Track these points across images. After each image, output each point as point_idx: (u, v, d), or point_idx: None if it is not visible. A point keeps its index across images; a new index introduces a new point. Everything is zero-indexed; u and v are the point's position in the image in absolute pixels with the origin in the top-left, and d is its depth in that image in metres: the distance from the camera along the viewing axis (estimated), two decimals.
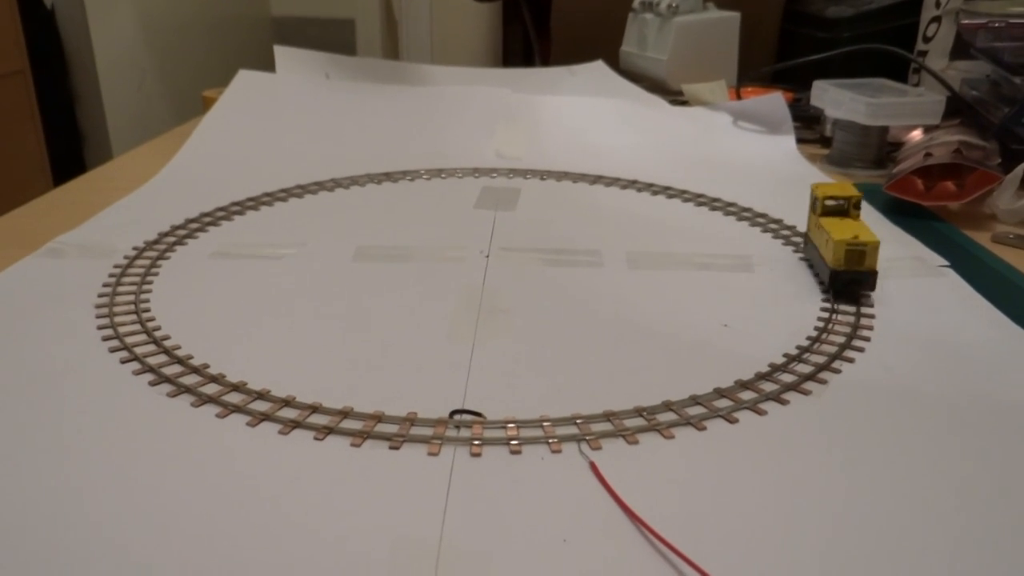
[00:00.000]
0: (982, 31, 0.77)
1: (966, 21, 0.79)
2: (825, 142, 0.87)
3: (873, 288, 0.50)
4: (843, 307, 0.49)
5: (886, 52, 0.86)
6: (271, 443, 0.36)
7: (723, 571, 0.28)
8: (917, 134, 0.79)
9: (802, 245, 0.58)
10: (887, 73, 0.84)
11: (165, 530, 0.30)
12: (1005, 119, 0.72)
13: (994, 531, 0.31)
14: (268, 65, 0.96)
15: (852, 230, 0.51)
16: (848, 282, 0.50)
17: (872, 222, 0.64)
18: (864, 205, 0.68)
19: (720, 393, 0.40)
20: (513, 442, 0.36)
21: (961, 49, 0.85)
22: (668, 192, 0.72)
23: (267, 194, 0.69)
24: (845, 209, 0.54)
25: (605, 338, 0.46)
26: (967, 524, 0.31)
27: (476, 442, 0.35)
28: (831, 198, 0.54)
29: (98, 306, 0.48)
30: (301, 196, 0.69)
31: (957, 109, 0.77)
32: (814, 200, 0.55)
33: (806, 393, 0.40)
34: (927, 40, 0.93)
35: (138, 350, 0.43)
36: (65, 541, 0.29)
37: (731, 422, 0.38)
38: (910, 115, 0.75)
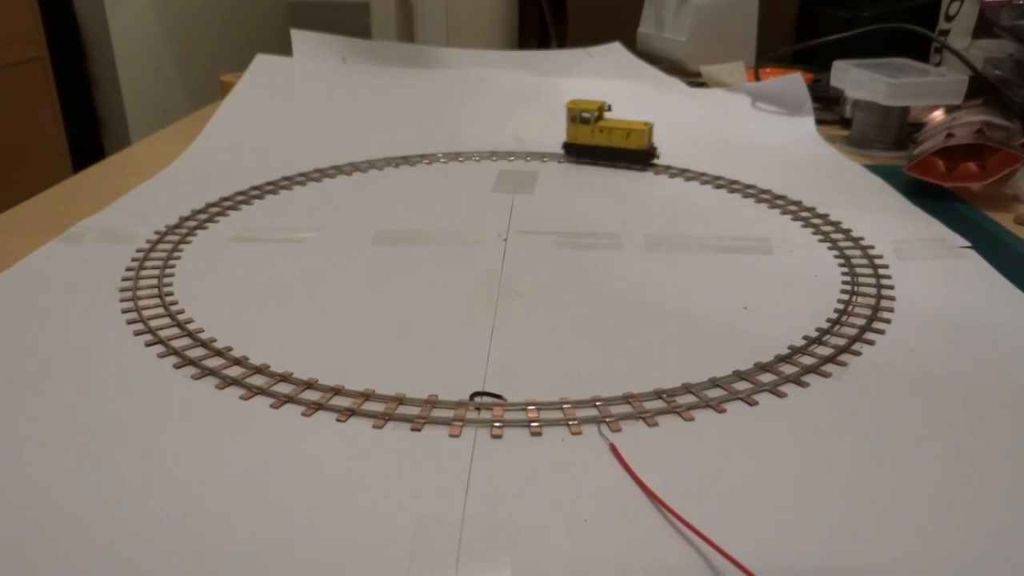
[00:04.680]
0: (1006, 9, 0.76)
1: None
2: (845, 123, 0.86)
3: (658, 156, 0.73)
4: (863, 289, 0.49)
5: (907, 31, 0.85)
6: (294, 425, 0.36)
7: (742, 551, 0.28)
8: (939, 114, 0.79)
9: (564, 154, 0.75)
10: (908, 53, 0.83)
11: (189, 511, 0.31)
12: None
13: (1017, 514, 0.31)
14: (283, 49, 0.96)
15: (632, 123, 0.73)
16: (651, 155, 0.73)
17: (893, 203, 0.64)
18: (884, 186, 0.68)
19: (740, 375, 0.40)
20: (533, 424, 0.36)
21: (984, 27, 0.84)
22: (686, 175, 0.71)
23: (286, 178, 0.69)
24: (601, 115, 0.74)
25: (624, 321, 0.46)
26: (989, 506, 0.31)
27: (497, 424, 0.36)
28: (598, 109, 0.73)
29: (122, 290, 0.49)
30: (320, 180, 0.70)
31: (980, 89, 0.76)
32: (582, 113, 0.73)
33: (826, 375, 0.40)
34: (949, 19, 0.92)
35: (162, 333, 0.43)
36: (91, 521, 0.30)
37: (751, 404, 0.38)
38: (931, 95, 0.74)
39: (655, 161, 0.73)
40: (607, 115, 0.74)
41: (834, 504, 0.31)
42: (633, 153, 0.72)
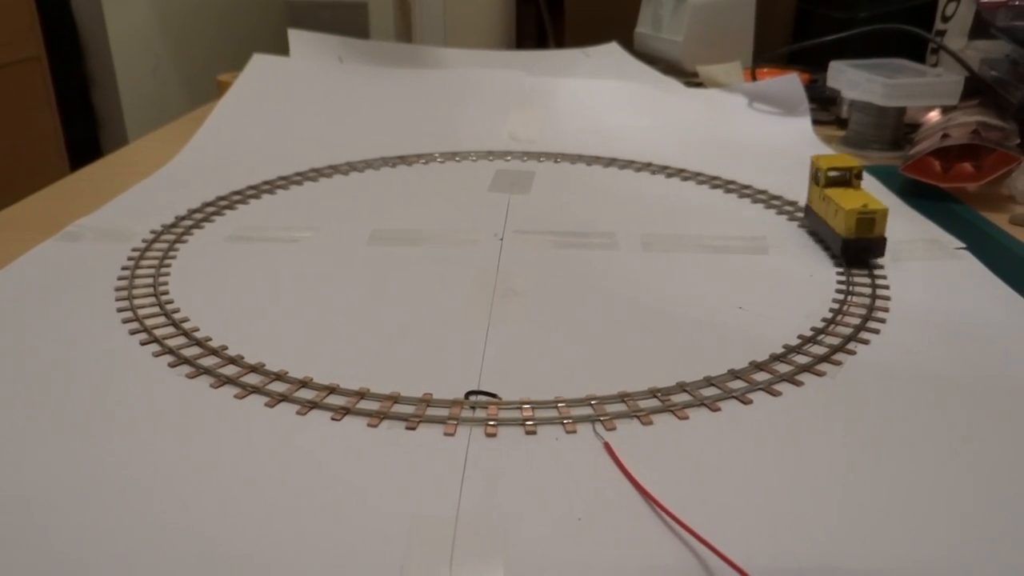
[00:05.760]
0: (1002, 10, 0.76)
1: (986, 0, 0.78)
2: (841, 124, 0.86)
3: (882, 254, 0.52)
4: (858, 289, 0.49)
5: (904, 32, 0.85)
6: (289, 424, 0.36)
7: (736, 550, 0.28)
8: (935, 115, 0.79)
9: (804, 216, 0.60)
10: (905, 53, 0.83)
11: (185, 510, 0.31)
12: None
13: (1011, 512, 0.31)
14: (281, 49, 0.96)
15: (859, 199, 0.52)
16: (859, 249, 0.52)
17: (888, 204, 0.64)
18: (880, 186, 0.68)
19: (734, 374, 0.40)
20: (528, 423, 0.36)
21: (980, 28, 0.84)
22: (683, 174, 0.71)
23: (282, 178, 0.69)
24: (847, 180, 0.55)
25: (619, 320, 0.46)
26: (984, 506, 0.31)
27: (491, 423, 0.36)
28: (834, 169, 0.55)
29: (117, 289, 0.49)
30: (316, 180, 0.70)
31: (976, 89, 0.76)
32: (816, 172, 0.56)
33: (820, 375, 0.40)
34: (946, 19, 0.92)
35: (157, 332, 0.43)
36: (86, 519, 0.30)
37: (745, 403, 0.38)
38: (928, 96, 0.74)
39: (873, 260, 0.52)
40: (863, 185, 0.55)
41: (828, 503, 0.31)
42: (836, 238, 0.53)
